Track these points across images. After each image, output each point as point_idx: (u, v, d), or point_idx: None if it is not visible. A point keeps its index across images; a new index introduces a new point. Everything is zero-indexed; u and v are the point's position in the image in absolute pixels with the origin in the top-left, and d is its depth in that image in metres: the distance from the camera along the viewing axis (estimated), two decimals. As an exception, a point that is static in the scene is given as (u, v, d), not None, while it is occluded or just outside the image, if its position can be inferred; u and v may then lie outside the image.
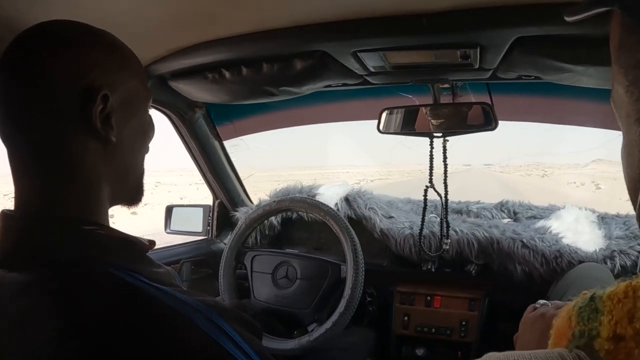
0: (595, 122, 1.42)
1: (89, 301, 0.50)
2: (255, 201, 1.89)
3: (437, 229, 1.52)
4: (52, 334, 0.48)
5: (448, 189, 1.42)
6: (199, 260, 1.72)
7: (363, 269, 1.30)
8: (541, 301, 0.72)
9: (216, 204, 1.83)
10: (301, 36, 1.00)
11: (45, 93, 0.55)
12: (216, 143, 1.67)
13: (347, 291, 1.27)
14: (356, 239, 1.32)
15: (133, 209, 0.69)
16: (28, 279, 0.51)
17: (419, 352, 1.52)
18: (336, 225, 1.33)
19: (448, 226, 1.47)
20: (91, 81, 0.56)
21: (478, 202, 1.70)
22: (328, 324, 1.27)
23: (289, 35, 1.00)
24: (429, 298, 1.53)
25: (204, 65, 1.19)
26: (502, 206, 1.66)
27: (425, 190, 1.44)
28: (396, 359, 1.56)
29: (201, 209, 1.85)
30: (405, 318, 1.54)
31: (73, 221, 0.57)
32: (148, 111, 0.68)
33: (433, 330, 1.49)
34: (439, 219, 1.58)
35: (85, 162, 0.57)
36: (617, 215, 1.53)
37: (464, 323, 1.47)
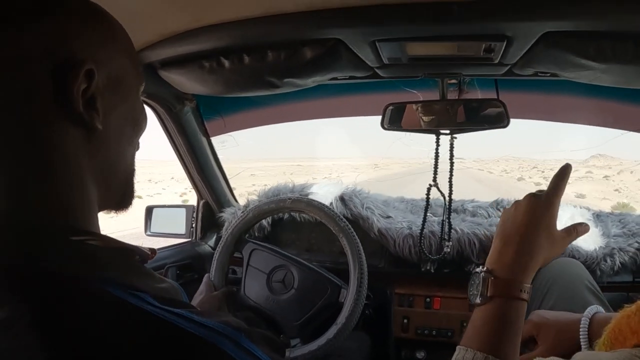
0: (597, 121, 1.43)
1: (85, 333, 0.39)
2: (242, 202, 1.79)
3: (436, 228, 1.48)
4: None
5: (453, 189, 1.38)
6: (183, 264, 1.61)
7: (364, 299, 1.23)
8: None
9: (201, 204, 1.72)
10: (315, 22, 0.92)
11: (10, 67, 0.44)
12: (203, 139, 1.56)
13: (341, 319, 1.20)
14: (365, 267, 1.25)
15: (121, 214, 0.59)
16: (3, 312, 0.39)
17: (419, 355, 1.49)
18: (349, 247, 1.25)
19: (450, 227, 1.43)
20: (72, 53, 0.47)
21: (473, 201, 1.68)
22: (313, 346, 1.20)
23: (302, 21, 0.92)
24: (428, 299, 1.49)
25: (201, 53, 1.09)
26: (497, 204, 1.64)
27: (429, 189, 1.39)
28: (394, 364, 1.51)
29: (184, 210, 1.74)
30: (405, 321, 1.49)
31: (56, 229, 0.46)
32: (140, 97, 0.59)
33: (434, 332, 1.46)
34: (437, 218, 1.54)
35: (65, 155, 0.47)
36: (612, 213, 1.54)
37: (465, 324, 1.42)
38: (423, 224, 1.44)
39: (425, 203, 1.42)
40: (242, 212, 1.42)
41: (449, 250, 1.43)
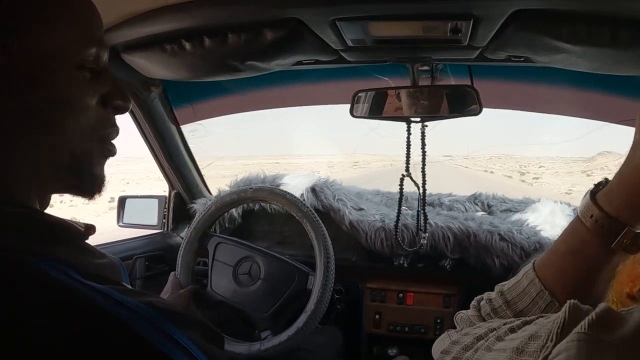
0: (579, 112, 1.39)
1: None
2: (214, 192, 1.75)
3: (410, 221, 1.44)
4: None
5: (426, 179, 1.33)
6: (154, 255, 1.57)
7: (332, 285, 1.20)
8: None
9: (172, 194, 1.68)
10: (274, 1, 0.88)
11: None
12: (173, 127, 1.51)
13: (310, 305, 1.17)
14: (331, 251, 1.21)
15: (93, 200, 0.56)
16: None
17: (391, 352, 1.45)
18: (313, 231, 1.23)
19: (426, 219, 1.38)
20: None
21: (450, 195, 1.64)
22: (283, 336, 1.17)
23: (260, 0, 0.88)
24: (401, 295, 1.45)
25: (162, 35, 1.05)
26: (475, 199, 1.60)
27: (402, 179, 1.34)
28: (368, 359, 1.47)
29: (156, 200, 1.69)
30: (377, 316, 1.45)
31: None
32: (77, 71, 0.51)
33: (406, 328, 1.42)
34: (411, 211, 1.50)
35: None
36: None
37: (439, 320, 1.40)
38: (398, 216, 1.39)
39: (400, 195, 1.37)
40: (203, 207, 1.38)
41: (425, 242, 1.39)
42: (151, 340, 0.43)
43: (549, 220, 1.43)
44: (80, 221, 0.56)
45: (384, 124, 1.33)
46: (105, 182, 0.56)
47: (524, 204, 1.54)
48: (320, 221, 1.23)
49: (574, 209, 1.50)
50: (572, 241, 0.56)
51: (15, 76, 0.46)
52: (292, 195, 1.26)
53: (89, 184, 0.54)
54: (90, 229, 0.55)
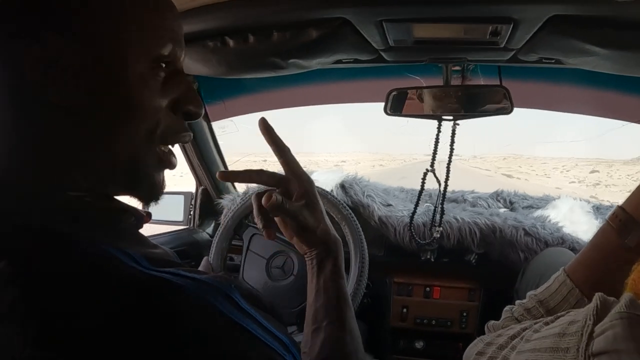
0: (597, 112, 1.42)
1: (70, 293, 0.38)
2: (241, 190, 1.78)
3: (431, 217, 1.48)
4: (21, 341, 0.35)
5: (449, 175, 1.37)
6: (179, 251, 1.59)
7: (363, 291, 1.22)
8: None
9: (199, 190, 1.71)
10: (322, 0, 0.91)
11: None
12: (204, 123, 1.55)
13: None
14: (367, 256, 1.23)
15: (148, 206, 0.55)
16: None
17: (418, 345, 1.48)
18: (351, 235, 1.24)
19: (442, 214, 1.42)
20: (27, 22, 0.44)
21: (473, 192, 1.68)
22: None
23: (308, -1, 0.92)
24: (427, 289, 1.48)
25: (205, 32, 1.08)
26: (497, 196, 1.64)
27: (425, 174, 1.38)
28: (393, 353, 1.50)
29: (182, 197, 1.73)
30: (404, 310, 1.49)
31: (44, 186, 0.46)
32: (142, 74, 0.48)
33: (433, 322, 1.45)
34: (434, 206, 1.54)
35: (47, 127, 0.47)
36: (612, 206, 1.55)
37: (464, 314, 1.43)
38: (415, 209, 1.43)
39: (420, 189, 1.42)
40: (241, 198, 1.41)
41: (438, 235, 1.43)
42: (221, 307, 0.44)
43: (568, 217, 1.47)
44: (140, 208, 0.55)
45: (412, 122, 1.37)
46: (164, 189, 0.55)
47: (545, 201, 1.58)
48: (359, 226, 1.25)
49: (593, 206, 1.55)
50: (597, 238, 0.65)
51: (87, 75, 0.46)
52: (333, 196, 1.29)
53: (146, 189, 0.53)
54: (149, 216, 0.56)
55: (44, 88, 0.45)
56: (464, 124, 1.26)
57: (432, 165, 1.38)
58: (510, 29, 0.93)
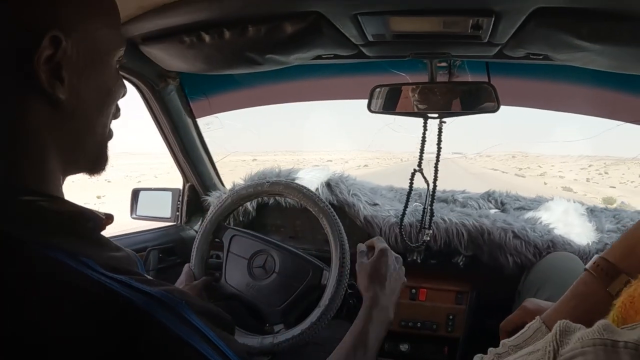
0: (594, 111, 1.37)
1: (16, 298, 0.39)
2: (228, 185, 1.76)
3: (420, 217, 1.44)
4: None
5: (438, 175, 1.34)
6: (167, 247, 1.58)
7: (347, 280, 1.19)
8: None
9: (186, 187, 1.69)
10: (295, -7, 0.88)
11: None
12: (189, 120, 1.52)
13: (324, 300, 1.16)
14: (347, 247, 1.21)
15: (95, 176, 0.59)
16: None
17: (403, 347, 1.44)
18: (329, 227, 1.21)
19: (432, 215, 1.38)
20: (34, 18, 0.45)
21: (464, 192, 1.63)
22: (296, 330, 1.16)
23: (281, -8, 0.89)
24: (414, 291, 1.45)
25: (181, 27, 1.06)
26: (488, 196, 1.59)
27: (413, 174, 1.34)
28: (378, 355, 1.47)
29: (170, 193, 1.71)
30: (389, 312, 1.45)
31: (6, 189, 0.45)
32: (114, 63, 0.56)
33: (418, 324, 1.42)
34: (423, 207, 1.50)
35: (26, 125, 0.47)
36: (606, 209, 1.50)
37: (451, 317, 1.40)
38: (404, 210, 1.39)
39: (409, 189, 1.38)
40: (219, 199, 1.39)
41: (427, 238, 1.39)
42: (169, 324, 0.43)
43: (562, 219, 1.43)
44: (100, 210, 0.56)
45: (398, 119, 1.34)
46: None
47: (537, 202, 1.54)
48: (337, 217, 1.23)
49: (587, 208, 1.50)
50: (577, 287, 0.68)
51: (75, 67, 0.49)
52: (308, 190, 1.26)
53: (102, 164, 0.58)
54: (109, 219, 0.55)
55: (38, 82, 0.46)
56: (467, 123, 1.22)
57: (419, 165, 1.34)
58: (492, 22, 0.89)
